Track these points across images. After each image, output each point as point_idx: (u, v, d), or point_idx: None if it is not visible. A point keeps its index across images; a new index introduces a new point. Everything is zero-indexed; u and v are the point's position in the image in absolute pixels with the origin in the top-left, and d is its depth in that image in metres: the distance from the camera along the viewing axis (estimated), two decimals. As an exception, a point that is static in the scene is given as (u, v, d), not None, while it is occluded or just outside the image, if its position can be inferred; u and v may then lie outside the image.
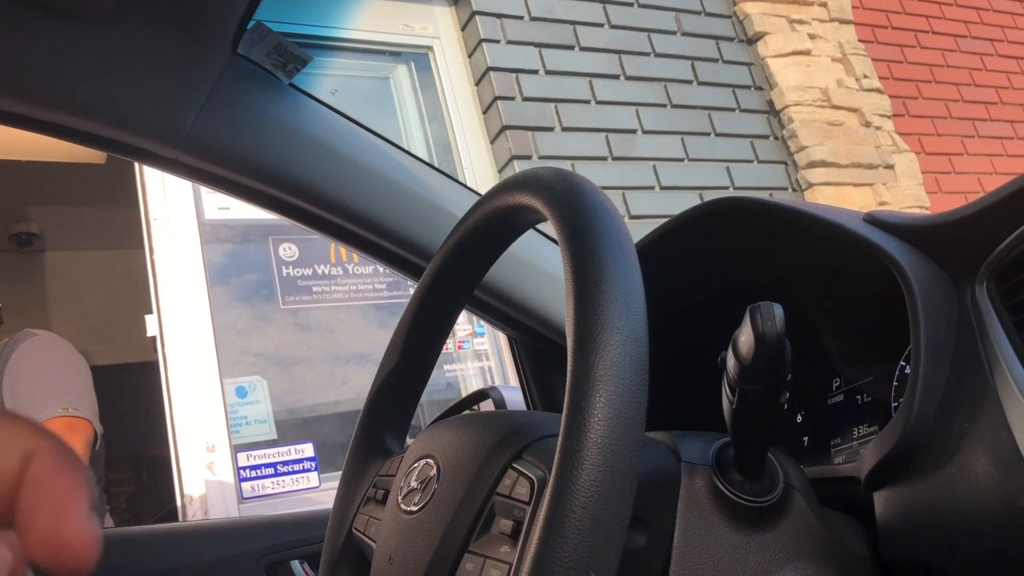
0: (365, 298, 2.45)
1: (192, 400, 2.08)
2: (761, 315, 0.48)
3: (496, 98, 2.61)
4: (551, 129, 2.67)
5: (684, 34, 3.11)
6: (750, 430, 0.54)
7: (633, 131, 2.84)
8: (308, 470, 2.17)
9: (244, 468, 2.10)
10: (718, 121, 3.03)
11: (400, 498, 0.61)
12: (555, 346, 1.09)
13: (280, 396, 2.24)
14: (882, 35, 3.63)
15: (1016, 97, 3.89)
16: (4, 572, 0.24)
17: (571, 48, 2.84)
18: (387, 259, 1.01)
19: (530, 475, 0.50)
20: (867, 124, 3.28)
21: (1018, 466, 0.49)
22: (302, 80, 0.91)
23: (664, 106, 2.95)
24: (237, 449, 2.11)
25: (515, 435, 0.55)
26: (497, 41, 2.70)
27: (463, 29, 2.76)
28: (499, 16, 2.73)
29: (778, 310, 0.48)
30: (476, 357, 2.55)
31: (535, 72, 2.72)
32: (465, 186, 1.06)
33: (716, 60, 3.14)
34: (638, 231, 0.72)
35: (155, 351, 2.15)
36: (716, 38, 3.18)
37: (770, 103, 3.18)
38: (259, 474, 2.11)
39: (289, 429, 2.22)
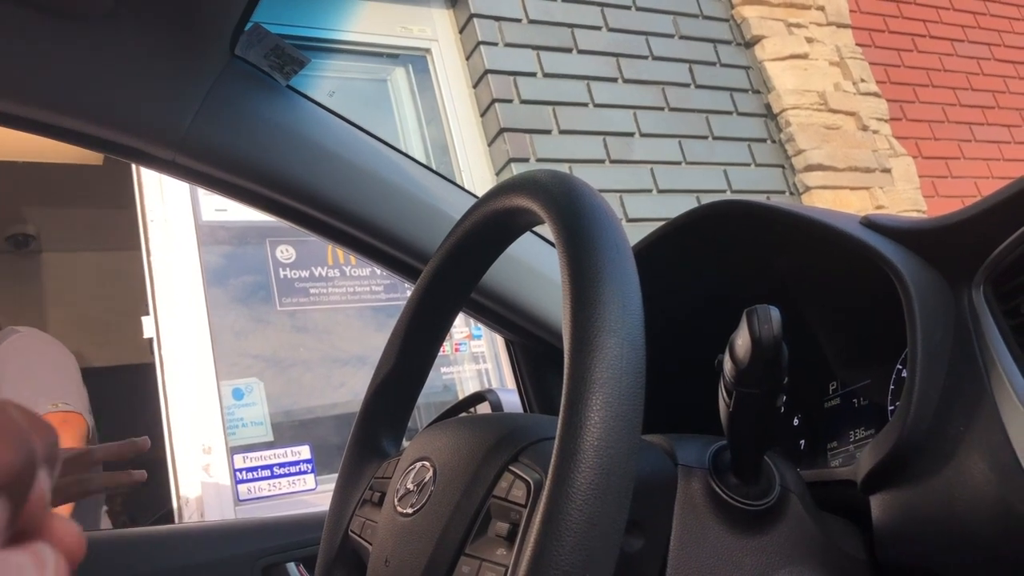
0: (362, 300, 2.45)
1: (188, 402, 2.08)
2: (758, 318, 0.48)
3: (494, 100, 2.62)
4: (549, 132, 2.67)
5: (682, 37, 3.11)
6: (747, 433, 0.54)
7: (631, 134, 2.84)
8: (304, 472, 2.17)
9: (240, 470, 2.09)
10: (716, 124, 3.03)
11: (396, 500, 0.61)
12: (552, 349, 1.09)
13: (277, 398, 2.24)
14: (879, 39, 3.64)
15: (1013, 101, 3.90)
16: None
17: (569, 51, 2.84)
18: (384, 261, 1.01)
19: (526, 478, 0.50)
20: (864, 128, 3.29)
21: (1014, 470, 0.49)
22: (300, 82, 0.91)
23: (662, 109, 2.95)
24: (233, 451, 2.10)
25: (512, 438, 0.55)
26: (495, 44, 2.70)
27: (461, 31, 2.76)
28: (497, 19, 2.73)
29: (775, 313, 0.48)
30: (473, 360, 2.55)
31: (533, 75, 2.72)
32: (462, 188, 1.06)
33: (714, 63, 3.14)
34: (635, 234, 0.72)
35: (152, 353, 2.15)
36: (714, 41, 3.18)
37: (767, 106, 3.18)
38: (255, 476, 2.11)
39: (285, 431, 2.22)
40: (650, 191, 2.79)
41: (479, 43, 2.67)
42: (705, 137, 3.00)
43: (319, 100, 0.94)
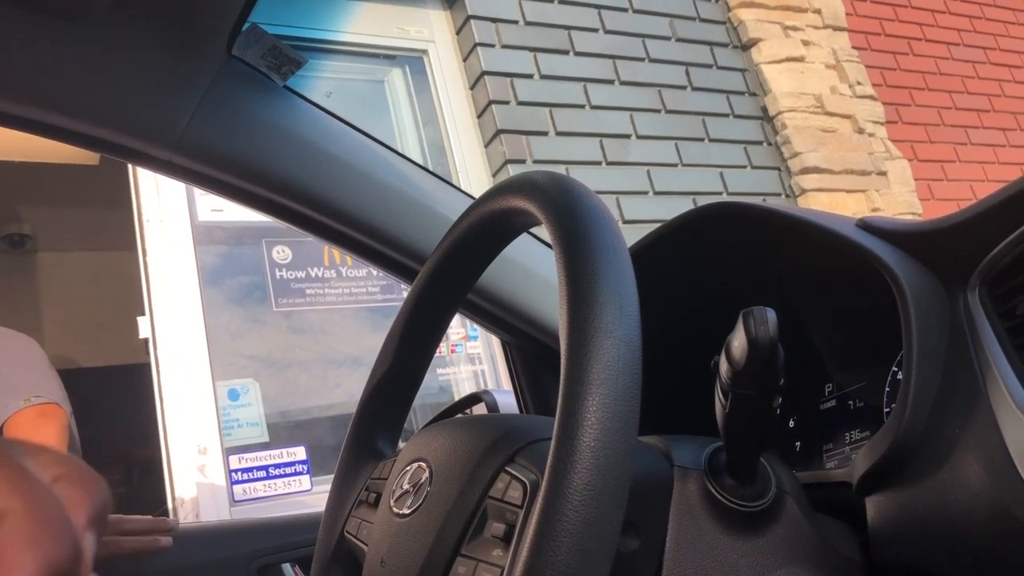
0: (358, 301, 2.45)
1: (184, 402, 2.08)
2: (754, 319, 0.48)
3: (491, 102, 2.62)
4: (545, 133, 2.68)
5: (678, 40, 3.11)
6: (743, 435, 0.54)
7: (627, 136, 2.84)
8: (300, 473, 2.17)
9: (236, 471, 2.09)
10: (712, 127, 3.04)
11: (392, 501, 0.61)
12: (549, 350, 1.09)
13: (272, 399, 2.23)
14: (875, 42, 3.65)
15: (1008, 105, 3.91)
16: None
17: (566, 53, 2.84)
18: (381, 262, 1.01)
19: (523, 478, 0.50)
20: (860, 131, 3.30)
21: (1009, 472, 0.49)
22: (297, 83, 0.91)
23: (658, 111, 2.95)
24: (229, 452, 2.10)
25: (508, 438, 0.55)
26: (492, 45, 2.70)
27: (458, 33, 2.76)
28: (494, 20, 2.73)
29: (771, 315, 0.48)
30: (469, 361, 2.55)
31: (530, 76, 2.73)
32: (459, 189, 1.06)
33: (710, 66, 3.14)
34: (632, 236, 0.72)
35: (147, 353, 2.15)
36: (710, 44, 3.18)
37: (764, 109, 3.19)
38: (251, 477, 2.10)
39: (281, 432, 2.21)
40: (646, 193, 2.80)
41: (476, 44, 2.67)
42: (701, 139, 3.00)
43: (316, 101, 0.94)
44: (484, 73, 2.64)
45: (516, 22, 2.78)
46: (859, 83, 3.39)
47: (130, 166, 2.12)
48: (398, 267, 1.01)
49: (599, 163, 2.75)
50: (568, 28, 2.87)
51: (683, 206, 0.88)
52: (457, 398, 1.58)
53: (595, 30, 2.94)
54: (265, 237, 2.36)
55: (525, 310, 1.04)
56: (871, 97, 3.41)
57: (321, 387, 2.34)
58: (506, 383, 1.21)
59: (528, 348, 1.13)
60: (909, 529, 0.55)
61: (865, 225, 0.64)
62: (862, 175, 3.20)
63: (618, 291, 0.45)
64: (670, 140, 2.92)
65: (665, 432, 0.62)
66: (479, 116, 2.68)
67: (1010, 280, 0.55)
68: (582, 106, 2.79)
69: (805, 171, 3.08)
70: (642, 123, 2.89)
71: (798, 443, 0.77)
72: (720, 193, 2.95)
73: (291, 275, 2.37)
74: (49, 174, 3.62)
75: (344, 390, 2.35)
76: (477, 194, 0.68)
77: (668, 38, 3.10)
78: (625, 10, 3.04)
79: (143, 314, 2.16)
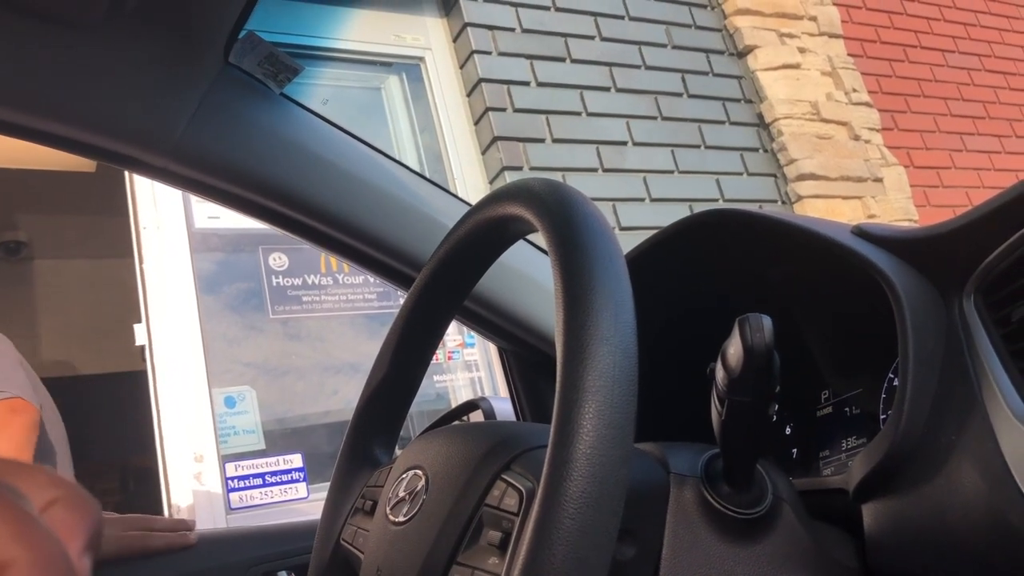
0: (355, 308, 2.45)
1: (180, 410, 2.07)
2: (750, 326, 0.48)
3: (487, 109, 2.62)
4: (542, 140, 2.68)
5: (675, 47, 3.12)
6: (739, 442, 0.54)
7: (624, 143, 2.85)
8: (296, 481, 2.16)
9: (232, 478, 2.08)
10: (708, 134, 3.04)
11: (388, 509, 0.61)
12: (545, 357, 1.09)
13: (269, 406, 2.23)
14: (871, 49, 3.66)
15: (1004, 111, 3.92)
16: None
17: (562, 60, 2.85)
18: (377, 269, 1.01)
19: (519, 486, 0.50)
20: (856, 137, 3.30)
21: (1005, 478, 0.49)
22: (293, 90, 0.91)
23: (655, 118, 2.96)
24: (225, 459, 2.10)
25: (504, 446, 0.55)
26: (489, 53, 2.70)
27: (455, 40, 2.77)
28: (491, 28, 2.74)
29: (767, 322, 0.48)
30: (466, 368, 2.54)
31: (526, 84, 2.73)
32: (456, 196, 1.06)
33: (706, 73, 3.15)
34: (628, 243, 0.72)
35: (144, 360, 2.14)
36: (706, 51, 3.19)
37: (760, 116, 3.19)
38: (247, 484, 2.10)
39: (278, 439, 2.21)
40: (643, 200, 2.80)
41: (473, 52, 2.68)
42: (698, 146, 3.01)
43: (313, 108, 0.94)
44: (481, 80, 2.65)
45: (513, 29, 2.78)
46: (855, 90, 3.40)
47: (127, 173, 2.12)
48: (395, 274, 1.01)
49: (595, 170, 2.75)
50: (565, 35, 2.88)
51: (679, 213, 0.88)
52: (454, 405, 1.58)
53: (591, 37, 2.95)
54: (262, 244, 2.36)
55: (522, 317, 1.04)
56: (867, 104, 3.42)
57: (317, 394, 2.34)
58: (503, 390, 1.20)
59: (525, 355, 1.12)
60: (905, 536, 0.55)
61: (861, 232, 0.64)
62: (858, 182, 3.21)
63: (614, 298, 0.45)
64: (666, 147, 2.93)
65: (661, 439, 0.62)
66: (476, 123, 2.68)
67: (1006, 286, 0.55)
68: (578, 113, 2.80)
69: (801, 178, 3.09)
70: (638, 130, 2.89)
71: (794, 450, 0.77)
72: (716, 200, 2.95)
73: (288, 282, 2.37)
74: (45, 181, 3.62)
75: (340, 397, 2.34)
76: (474, 201, 0.69)
77: (664, 45, 3.10)
78: (621, 17, 3.05)
79: (139, 321, 2.16)
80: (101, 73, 0.79)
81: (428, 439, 0.65)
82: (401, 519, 0.59)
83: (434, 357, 0.74)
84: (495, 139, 2.59)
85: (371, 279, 2.44)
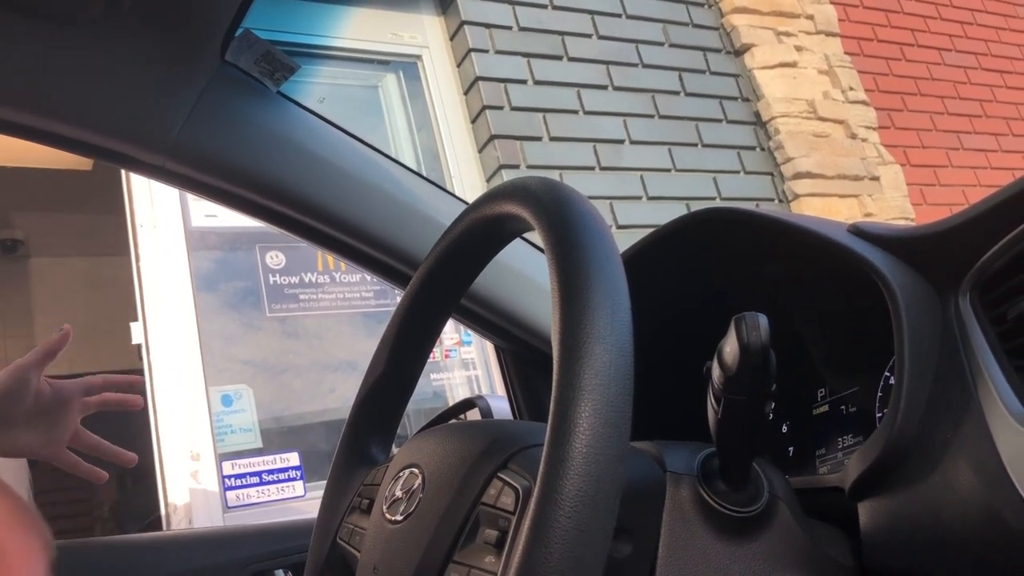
0: (352, 306, 2.44)
1: (177, 408, 2.07)
2: (746, 325, 0.48)
3: (484, 107, 2.62)
4: (539, 139, 2.68)
5: (672, 45, 3.12)
6: (735, 440, 0.54)
7: (621, 141, 2.85)
8: (293, 479, 2.16)
9: (229, 477, 2.08)
10: (705, 132, 3.04)
11: (385, 507, 0.61)
12: (542, 355, 1.09)
13: (266, 405, 2.23)
14: (868, 48, 3.66)
15: (1000, 110, 3.92)
16: None
17: (559, 58, 2.84)
18: (374, 267, 1.01)
19: (515, 484, 0.50)
20: (853, 136, 3.31)
21: (1001, 477, 0.49)
22: (290, 88, 0.91)
23: (652, 117, 2.96)
24: (222, 458, 2.10)
25: (501, 444, 0.55)
26: (486, 51, 2.70)
27: (452, 39, 2.77)
28: (488, 26, 2.74)
29: (763, 320, 0.48)
30: (463, 366, 2.54)
31: (524, 82, 2.73)
32: (453, 195, 1.06)
33: (703, 71, 3.15)
34: (625, 241, 0.72)
35: (140, 359, 2.14)
36: (703, 49, 3.19)
37: (757, 114, 3.19)
38: (244, 483, 2.10)
39: (275, 438, 2.21)
40: (640, 198, 2.80)
41: (470, 50, 2.67)
42: (695, 144, 3.01)
43: (310, 106, 0.94)
44: (478, 78, 2.65)
45: (510, 28, 2.78)
46: (851, 88, 3.40)
47: (123, 171, 2.11)
48: (391, 272, 1.01)
49: (592, 168, 2.75)
50: (562, 34, 2.88)
51: (676, 211, 0.88)
52: (451, 403, 1.58)
53: (588, 36, 2.95)
54: (259, 242, 2.36)
55: (518, 315, 1.04)
56: (863, 102, 3.42)
57: (315, 393, 2.33)
58: (500, 388, 1.20)
59: (522, 353, 1.12)
60: (901, 534, 0.55)
61: (857, 230, 0.64)
62: (855, 180, 3.21)
63: (610, 296, 0.45)
64: (663, 145, 2.93)
65: (658, 437, 0.62)
66: (473, 121, 2.68)
67: (1001, 285, 0.55)
68: (576, 111, 2.80)
69: (798, 176, 3.09)
70: (635, 128, 2.89)
71: (791, 448, 0.77)
72: (713, 198, 2.95)
73: (284, 280, 2.37)
74: (42, 179, 3.62)
75: (338, 396, 2.34)
76: (471, 199, 0.69)
77: (661, 44, 3.10)
78: (618, 16, 3.05)
79: (136, 319, 2.15)
80: (98, 71, 0.79)
81: (425, 437, 0.65)
82: (398, 518, 0.59)
83: (431, 355, 0.74)
84: (492, 137, 2.59)
85: (368, 277, 2.44)
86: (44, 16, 0.74)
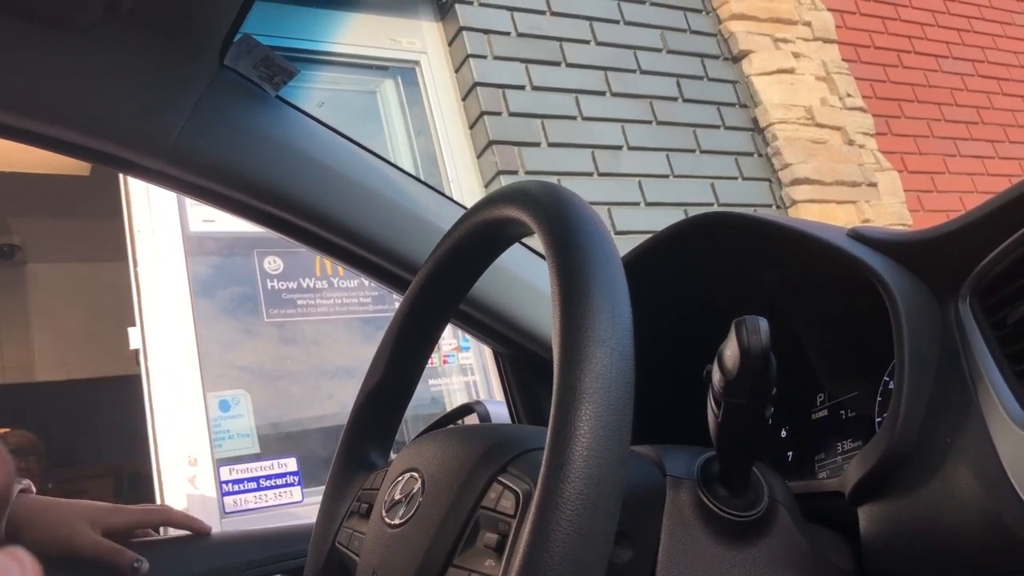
0: (350, 311, 2.44)
1: (175, 413, 2.07)
2: (746, 329, 0.48)
3: (483, 113, 2.62)
4: (537, 144, 2.68)
5: (670, 52, 3.13)
6: (735, 444, 0.54)
7: (619, 147, 2.85)
8: (291, 485, 2.16)
9: (226, 482, 2.08)
10: (703, 138, 3.05)
11: (384, 512, 0.61)
12: (541, 360, 1.09)
13: (264, 410, 2.22)
14: (865, 55, 3.67)
15: (997, 117, 3.93)
16: None
17: (558, 64, 2.85)
18: (373, 272, 1.01)
19: (515, 488, 0.50)
20: (850, 142, 3.31)
21: (1001, 481, 0.49)
22: (289, 93, 0.91)
23: (650, 123, 2.96)
24: (220, 463, 2.09)
25: (500, 448, 0.55)
26: (484, 57, 2.71)
27: (450, 44, 2.77)
28: (486, 32, 2.74)
29: (763, 324, 0.48)
30: (461, 371, 2.54)
31: (522, 88, 2.73)
32: (451, 200, 1.06)
33: (701, 78, 3.16)
34: (624, 246, 0.72)
35: (138, 364, 2.14)
36: (701, 56, 3.20)
37: (754, 121, 3.20)
38: (242, 488, 2.09)
39: (272, 443, 2.20)
40: (638, 204, 2.80)
41: (468, 56, 2.68)
42: (693, 151, 3.01)
43: (308, 111, 0.94)
44: (476, 84, 2.65)
45: (508, 33, 2.79)
46: (849, 95, 3.41)
47: (121, 176, 2.11)
48: (390, 277, 1.01)
49: (591, 174, 2.75)
50: (560, 40, 2.88)
51: (674, 217, 0.88)
52: (449, 409, 1.58)
53: (587, 42, 2.95)
54: (257, 248, 2.36)
55: (517, 320, 1.04)
56: (861, 109, 3.43)
57: (312, 398, 2.33)
58: (498, 394, 1.20)
59: (520, 358, 1.12)
60: (901, 539, 0.55)
61: (856, 235, 0.64)
62: (852, 186, 3.22)
63: (611, 301, 0.45)
64: (661, 151, 2.93)
65: (658, 442, 0.62)
66: (471, 127, 2.68)
67: (1001, 290, 0.55)
68: (574, 117, 2.80)
69: (796, 182, 3.09)
70: (634, 134, 2.90)
71: (790, 453, 0.77)
72: (711, 204, 2.96)
73: (283, 286, 2.36)
74: (39, 184, 3.61)
75: (336, 401, 2.34)
76: (469, 205, 0.69)
77: (659, 50, 3.11)
78: (617, 22, 3.05)
79: (133, 325, 2.15)
80: (96, 76, 0.79)
81: (424, 442, 0.64)
82: (397, 522, 0.58)
83: (429, 361, 0.73)
84: (490, 143, 2.60)
85: (366, 282, 2.44)
86: (43, 20, 0.74)
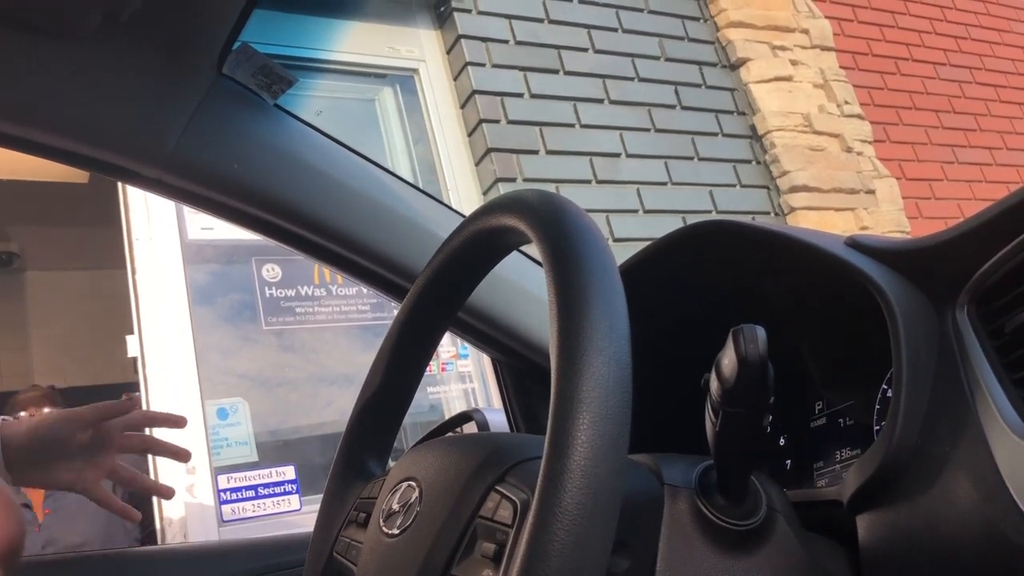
0: (348, 319, 2.44)
1: (172, 422, 2.06)
2: (744, 337, 0.48)
3: (481, 121, 2.63)
4: (536, 152, 2.68)
5: (668, 59, 3.13)
6: (733, 453, 0.54)
7: (617, 155, 2.86)
8: (289, 493, 2.16)
9: (224, 491, 2.07)
10: (701, 146, 3.05)
11: (382, 521, 0.61)
12: (539, 368, 1.09)
13: (262, 418, 2.22)
14: (863, 62, 3.68)
15: (995, 124, 3.94)
16: None
17: (556, 72, 2.85)
18: (371, 280, 1.01)
19: (513, 498, 0.50)
20: (848, 150, 3.32)
21: (999, 490, 0.49)
22: (288, 101, 0.91)
23: (648, 130, 2.97)
24: (217, 471, 2.09)
25: (498, 457, 0.55)
26: (482, 64, 2.71)
27: (448, 52, 2.78)
28: (484, 40, 2.75)
29: (761, 333, 0.48)
30: (459, 379, 2.54)
31: (520, 95, 2.74)
32: (450, 208, 1.06)
33: (699, 85, 3.16)
34: (622, 254, 0.72)
35: (136, 372, 2.13)
36: (699, 63, 3.21)
37: (752, 128, 3.21)
38: (240, 497, 2.09)
39: (270, 451, 2.20)
40: (636, 211, 2.81)
41: (467, 64, 2.68)
42: (691, 158, 3.02)
43: (307, 119, 0.94)
44: (475, 92, 2.66)
45: (506, 41, 2.79)
46: (847, 102, 3.41)
47: (119, 184, 2.11)
48: (388, 285, 1.01)
49: (589, 182, 2.76)
50: (558, 48, 2.89)
51: (673, 224, 0.88)
52: (447, 417, 1.57)
53: (585, 50, 2.96)
54: (255, 255, 2.36)
55: (515, 328, 1.04)
56: (859, 116, 3.43)
57: (311, 406, 2.33)
58: (496, 402, 1.20)
59: (518, 366, 1.12)
60: (900, 547, 0.55)
61: (854, 243, 0.64)
62: (850, 194, 3.22)
63: (608, 309, 0.45)
64: (660, 159, 2.94)
65: (655, 450, 0.62)
66: (470, 135, 2.69)
67: (999, 298, 0.55)
68: (572, 125, 2.81)
69: (794, 190, 3.10)
70: (632, 142, 2.90)
71: (788, 461, 0.77)
72: (709, 211, 2.96)
73: (281, 293, 2.36)
74: (37, 192, 3.61)
75: (334, 409, 2.34)
76: (467, 212, 0.69)
77: (657, 58, 3.12)
78: (615, 30, 3.06)
79: (132, 333, 2.15)
80: (95, 85, 0.79)
81: (421, 451, 0.64)
82: (395, 531, 0.58)
83: (428, 368, 0.73)
84: (489, 151, 2.60)
85: (365, 290, 2.44)
86: (41, 30, 0.74)
